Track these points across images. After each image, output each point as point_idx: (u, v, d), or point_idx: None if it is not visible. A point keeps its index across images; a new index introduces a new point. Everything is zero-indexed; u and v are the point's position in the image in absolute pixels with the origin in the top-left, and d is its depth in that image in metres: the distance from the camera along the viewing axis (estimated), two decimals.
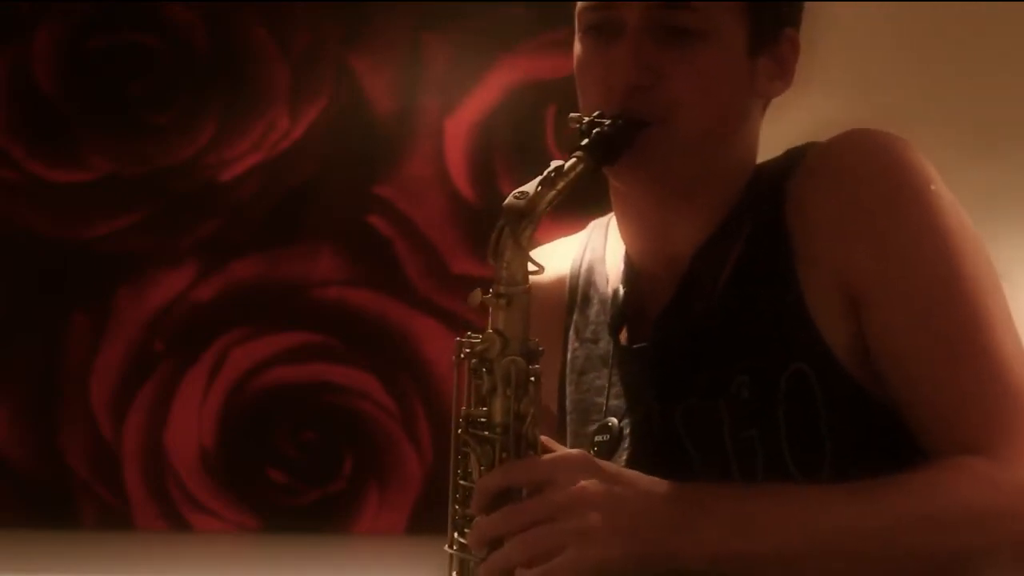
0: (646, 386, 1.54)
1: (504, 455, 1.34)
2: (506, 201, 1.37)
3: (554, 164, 1.40)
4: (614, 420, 1.57)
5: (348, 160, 3.11)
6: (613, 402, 1.58)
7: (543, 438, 1.38)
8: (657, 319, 1.55)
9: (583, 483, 1.31)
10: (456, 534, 1.40)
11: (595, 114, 1.46)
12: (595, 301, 1.65)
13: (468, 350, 1.36)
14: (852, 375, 1.44)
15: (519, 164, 3.05)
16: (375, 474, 3.09)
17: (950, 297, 1.43)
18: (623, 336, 1.59)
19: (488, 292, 1.37)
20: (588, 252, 1.69)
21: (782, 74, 1.56)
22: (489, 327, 1.37)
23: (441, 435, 2.96)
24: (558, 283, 1.68)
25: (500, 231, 1.37)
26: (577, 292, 1.67)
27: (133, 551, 3.09)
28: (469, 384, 1.38)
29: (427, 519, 3.03)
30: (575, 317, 1.66)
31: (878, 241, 1.45)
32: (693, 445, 1.50)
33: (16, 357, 3.13)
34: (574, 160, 1.42)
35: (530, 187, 1.38)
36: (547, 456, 1.35)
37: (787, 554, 1.33)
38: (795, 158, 1.53)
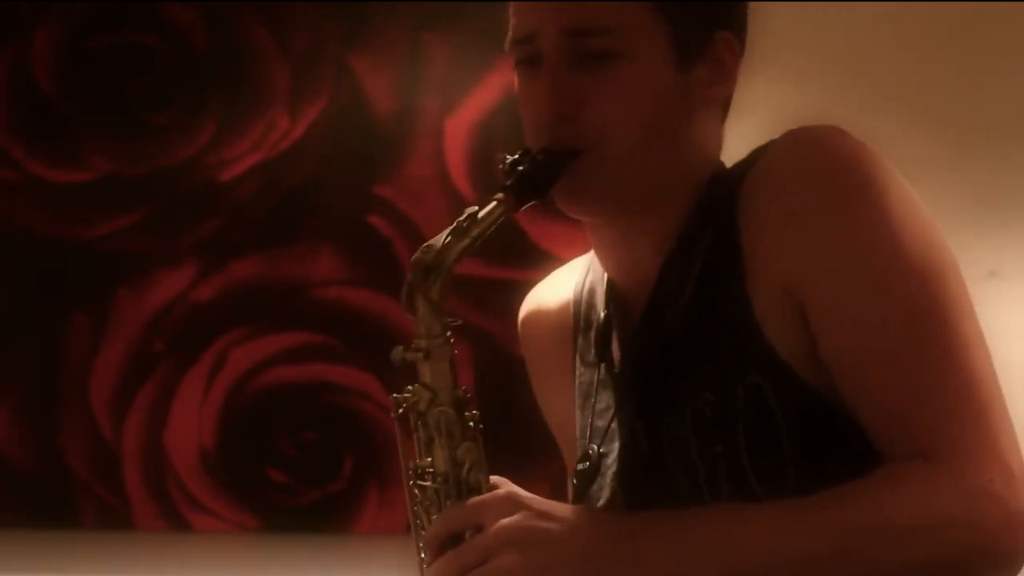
0: (629, 408, 1.54)
1: (448, 503, 1.36)
2: (414, 256, 1.38)
3: (468, 211, 1.39)
4: (594, 447, 1.57)
5: (348, 160, 3.10)
6: (598, 423, 1.58)
7: (495, 478, 1.38)
8: (630, 337, 1.54)
9: (504, 522, 1.32)
10: None
11: (517, 154, 1.45)
12: (595, 324, 1.63)
13: (405, 405, 1.37)
14: (808, 383, 1.41)
15: None
16: (375, 474, 3.09)
17: (896, 294, 1.37)
18: (615, 358, 1.58)
19: (410, 346, 1.37)
20: (591, 274, 1.67)
21: (722, 79, 1.53)
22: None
23: None
24: (563, 309, 1.68)
25: (410, 287, 1.37)
26: (580, 316, 1.66)
27: (133, 551, 3.10)
28: (416, 438, 1.39)
29: None
30: (580, 342, 1.65)
31: (817, 244, 1.40)
32: (674, 465, 1.49)
33: (16, 357, 3.14)
34: (493, 204, 1.41)
35: (439, 239, 1.38)
36: (475, 499, 1.36)
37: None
38: (754, 159, 1.50)
